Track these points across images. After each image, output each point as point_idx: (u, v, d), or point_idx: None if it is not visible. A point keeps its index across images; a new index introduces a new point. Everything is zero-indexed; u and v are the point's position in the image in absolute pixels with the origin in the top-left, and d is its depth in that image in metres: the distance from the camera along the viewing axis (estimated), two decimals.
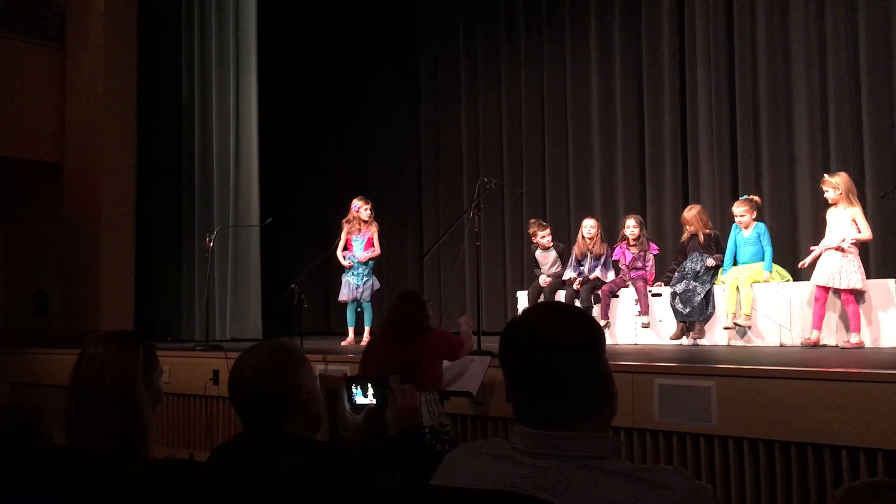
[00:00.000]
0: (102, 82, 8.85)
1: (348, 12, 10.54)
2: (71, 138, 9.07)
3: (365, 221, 7.73)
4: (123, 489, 1.74)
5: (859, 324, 5.60)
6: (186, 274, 9.75)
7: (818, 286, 5.72)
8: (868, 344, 5.67)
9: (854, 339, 5.56)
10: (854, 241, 5.69)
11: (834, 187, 5.81)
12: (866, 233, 5.75)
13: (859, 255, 5.75)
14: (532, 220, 7.77)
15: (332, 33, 10.77)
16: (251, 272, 9.68)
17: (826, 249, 5.74)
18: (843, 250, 5.65)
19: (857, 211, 5.77)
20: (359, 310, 7.71)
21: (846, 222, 5.75)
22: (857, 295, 5.66)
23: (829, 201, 5.89)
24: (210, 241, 7.52)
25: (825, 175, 6.01)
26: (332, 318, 10.38)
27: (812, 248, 6.01)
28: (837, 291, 5.69)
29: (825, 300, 5.73)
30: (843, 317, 5.77)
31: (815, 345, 5.69)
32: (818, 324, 5.72)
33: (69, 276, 8.91)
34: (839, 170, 7.04)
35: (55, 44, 9.16)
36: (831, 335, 5.84)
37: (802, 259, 6.16)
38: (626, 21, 8.68)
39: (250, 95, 9.76)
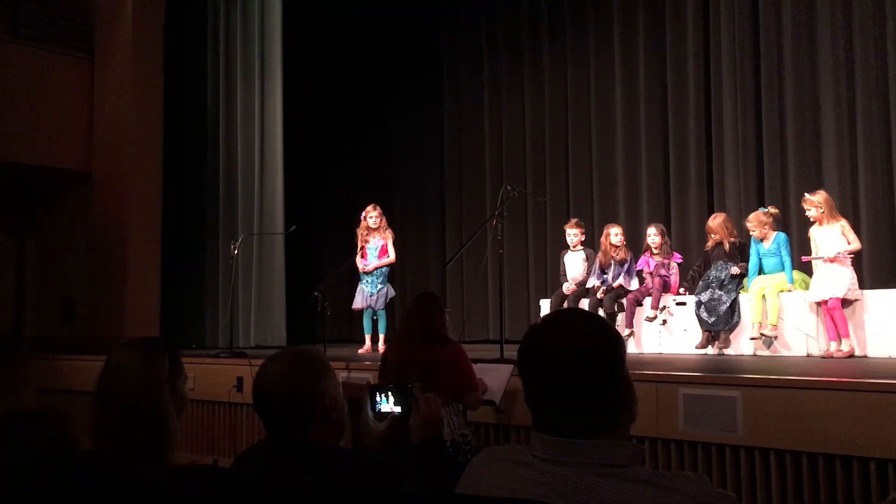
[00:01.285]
0: (130, 91, 8.96)
1: (372, 21, 10.59)
2: (99, 147, 9.19)
3: (373, 228, 7.67)
4: (148, 494, 1.75)
5: (847, 330, 5.68)
6: (211, 281, 9.82)
7: (822, 301, 5.81)
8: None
9: (845, 346, 5.64)
10: (850, 252, 5.84)
11: (817, 206, 5.98)
12: (856, 243, 5.95)
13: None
14: (573, 220, 7.70)
15: (357, 42, 10.82)
16: (275, 280, 9.73)
17: (828, 260, 5.83)
18: (841, 262, 5.78)
19: (843, 223, 5.98)
20: (374, 317, 7.68)
21: (836, 236, 5.92)
22: (845, 303, 5.77)
23: (812, 219, 6.04)
24: (235, 249, 7.57)
25: (805, 194, 6.15)
26: (354, 325, 10.36)
27: (804, 258, 6.14)
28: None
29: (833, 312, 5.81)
30: (862, 327, 5.81)
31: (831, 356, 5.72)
32: (834, 335, 5.76)
33: (96, 283, 9.01)
34: (868, 179, 6.99)
35: (84, 54, 9.29)
36: (858, 346, 5.80)
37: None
38: (650, 27, 8.64)
39: (275, 104, 9.83)
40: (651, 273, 7.03)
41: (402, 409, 2.14)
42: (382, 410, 2.18)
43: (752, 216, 6.49)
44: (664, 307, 6.80)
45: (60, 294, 9.42)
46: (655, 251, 7.09)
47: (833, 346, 5.74)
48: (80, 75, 9.21)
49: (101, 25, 9.33)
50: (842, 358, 5.57)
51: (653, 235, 7.11)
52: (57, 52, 9.08)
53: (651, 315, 6.77)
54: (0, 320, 9.61)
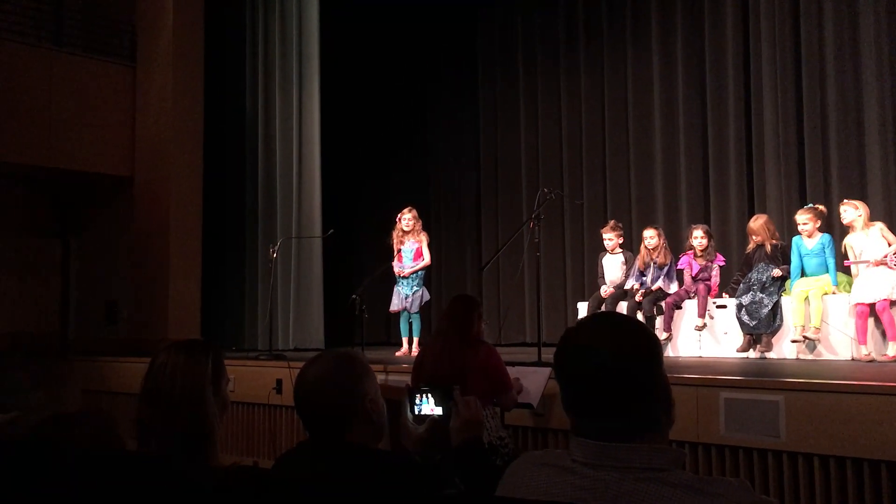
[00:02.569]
0: (171, 98, 9.10)
1: (409, 22, 10.64)
2: (141, 152, 9.34)
3: (408, 231, 7.66)
4: (192, 494, 1.78)
5: None
6: (250, 284, 9.92)
7: (862, 303, 5.75)
8: None
9: (891, 350, 5.57)
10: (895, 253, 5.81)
11: (855, 207, 6.00)
12: None
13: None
14: (610, 223, 7.63)
15: (393, 46, 10.88)
16: (314, 282, 9.80)
17: (874, 264, 5.79)
18: (888, 265, 5.74)
19: (881, 226, 5.99)
20: (410, 320, 7.69)
21: (877, 239, 5.90)
22: (892, 305, 5.72)
23: (848, 224, 6.05)
24: (273, 252, 7.63)
25: (845, 199, 6.19)
26: (392, 328, 10.42)
27: (846, 262, 6.09)
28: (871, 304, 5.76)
29: (867, 314, 5.75)
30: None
31: (872, 360, 5.65)
32: (865, 339, 5.71)
33: (139, 286, 9.16)
34: None
35: (126, 61, 9.46)
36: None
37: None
38: (688, 27, 8.56)
39: (313, 108, 9.91)
40: (693, 277, 6.93)
41: (442, 411, 2.15)
42: (422, 413, 2.18)
43: (807, 208, 6.35)
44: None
45: (104, 297, 9.59)
46: (700, 253, 6.98)
47: (864, 350, 5.68)
48: (122, 83, 9.38)
49: (143, 34, 9.49)
50: (888, 361, 5.46)
51: (699, 238, 6.96)
52: (100, 60, 9.25)
53: (700, 325, 6.65)
54: (45, 323, 9.81)
